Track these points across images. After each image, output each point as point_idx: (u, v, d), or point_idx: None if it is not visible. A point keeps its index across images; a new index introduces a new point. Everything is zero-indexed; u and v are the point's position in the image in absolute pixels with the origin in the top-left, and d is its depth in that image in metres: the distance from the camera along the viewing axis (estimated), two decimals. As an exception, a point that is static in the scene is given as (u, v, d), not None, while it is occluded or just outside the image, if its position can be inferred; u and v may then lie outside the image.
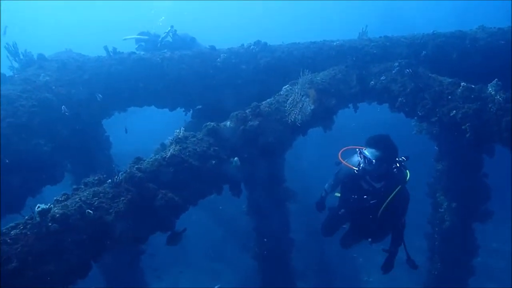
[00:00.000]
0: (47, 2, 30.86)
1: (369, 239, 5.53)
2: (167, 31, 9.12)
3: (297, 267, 8.89)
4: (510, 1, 23.12)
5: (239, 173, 5.72)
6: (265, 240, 7.98)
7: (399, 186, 4.93)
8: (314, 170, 14.65)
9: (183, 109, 8.56)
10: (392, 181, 5.02)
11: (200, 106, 8.29)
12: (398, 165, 5.06)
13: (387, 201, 4.93)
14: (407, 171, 5.10)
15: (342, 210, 5.60)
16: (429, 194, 9.16)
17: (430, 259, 9.10)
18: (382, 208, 4.97)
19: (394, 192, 4.91)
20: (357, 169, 5.14)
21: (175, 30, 9.20)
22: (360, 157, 5.10)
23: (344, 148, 5.42)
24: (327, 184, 6.23)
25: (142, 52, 8.72)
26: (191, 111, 8.42)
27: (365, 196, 5.19)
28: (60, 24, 32.05)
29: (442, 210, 8.59)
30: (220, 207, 12.76)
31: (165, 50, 8.96)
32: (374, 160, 4.91)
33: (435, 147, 8.83)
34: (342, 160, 5.35)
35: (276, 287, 8.22)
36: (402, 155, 5.18)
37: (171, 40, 9.05)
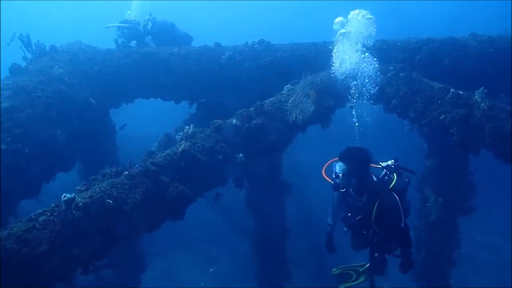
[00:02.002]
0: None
1: (376, 254, 5.17)
2: (146, 18, 9.51)
3: (293, 256, 9.37)
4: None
5: (243, 167, 6.18)
6: (262, 229, 8.49)
7: (378, 200, 4.76)
8: (310, 162, 15.13)
9: (187, 101, 8.96)
10: (373, 192, 4.88)
11: (203, 100, 8.72)
12: (385, 171, 5.00)
13: (373, 215, 4.79)
14: (394, 174, 4.94)
15: (345, 229, 5.38)
16: (418, 189, 9.69)
17: (415, 248, 9.65)
18: (372, 221, 4.82)
19: (375, 208, 4.76)
20: (331, 183, 5.07)
21: (154, 18, 9.60)
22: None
23: (328, 163, 5.25)
24: (329, 217, 5.72)
25: (124, 39, 9.13)
26: (195, 104, 8.84)
27: (349, 214, 5.10)
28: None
29: (429, 204, 9.14)
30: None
31: (149, 37, 9.44)
32: (340, 174, 4.86)
33: (425, 145, 9.32)
34: (324, 175, 5.24)
35: (271, 272, 8.77)
36: (391, 156, 5.16)
37: (150, 27, 9.47)
